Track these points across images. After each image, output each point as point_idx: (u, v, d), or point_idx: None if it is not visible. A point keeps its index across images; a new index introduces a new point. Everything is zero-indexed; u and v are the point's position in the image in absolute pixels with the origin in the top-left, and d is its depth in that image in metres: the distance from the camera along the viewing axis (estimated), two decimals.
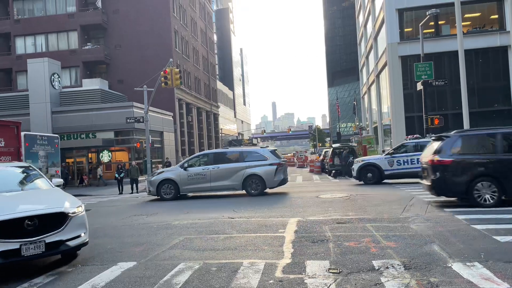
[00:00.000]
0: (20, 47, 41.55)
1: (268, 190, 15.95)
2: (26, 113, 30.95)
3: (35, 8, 42.03)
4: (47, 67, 30.84)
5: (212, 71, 62.89)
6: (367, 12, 43.47)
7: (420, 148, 16.72)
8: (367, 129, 47.35)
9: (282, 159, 16.33)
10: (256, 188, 15.38)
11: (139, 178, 24.09)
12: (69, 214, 6.40)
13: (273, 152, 16.14)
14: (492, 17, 31.93)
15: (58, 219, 6.27)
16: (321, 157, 31.94)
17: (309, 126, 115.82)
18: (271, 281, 5.08)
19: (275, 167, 15.34)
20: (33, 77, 31.05)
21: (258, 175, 15.32)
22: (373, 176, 17.57)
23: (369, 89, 46.57)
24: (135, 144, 29.30)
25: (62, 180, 9.42)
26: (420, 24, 22.30)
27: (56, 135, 24.11)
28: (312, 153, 71.20)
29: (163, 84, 22.82)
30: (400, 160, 17.24)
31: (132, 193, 22.28)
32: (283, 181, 15.94)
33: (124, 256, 6.88)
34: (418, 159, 16.03)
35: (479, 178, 9.57)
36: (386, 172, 17.39)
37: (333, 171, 25.03)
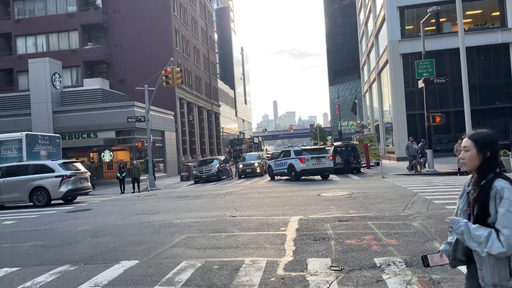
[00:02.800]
0: (21, 47, 41.61)
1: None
2: (28, 113, 31.02)
3: (36, 8, 42.06)
4: (48, 67, 30.88)
5: (213, 70, 62.89)
6: (368, 10, 43.40)
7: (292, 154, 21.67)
8: (369, 127, 47.30)
9: (73, 171, 16.90)
10: (42, 200, 16.04)
11: (141, 178, 24.14)
12: None
13: (63, 164, 16.83)
14: (494, 14, 31.85)
15: None
16: None
17: (310, 124, 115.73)
18: (273, 279, 5.09)
19: (60, 179, 16.08)
20: (34, 77, 31.09)
21: (43, 187, 16.04)
22: (269, 173, 24.13)
23: (370, 87, 46.52)
24: (137, 144, 29.32)
25: None
26: (421, 22, 22.24)
27: (58, 135, 24.15)
28: None
29: (164, 83, 22.85)
30: (278, 163, 22.66)
31: (134, 192, 22.34)
32: (70, 192, 16.51)
33: (126, 255, 6.89)
34: (282, 162, 21.89)
35: None
36: (274, 171, 23.06)
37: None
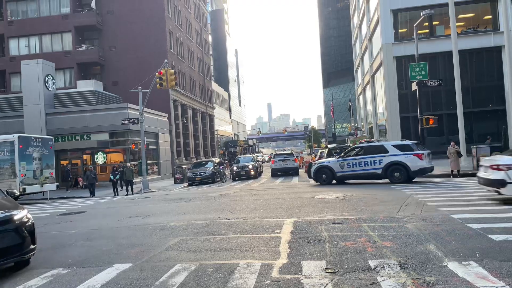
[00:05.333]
0: (13, 49, 41.30)
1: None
2: (20, 115, 30.78)
3: (29, 10, 41.80)
4: (41, 68, 30.67)
5: (207, 72, 62.83)
6: (362, 13, 43.62)
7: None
8: (363, 129, 47.49)
9: None
10: None
11: (134, 180, 24.00)
12: None
13: None
14: (486, 17, 32.14)
15: None
16: (317, 157, 31.96)
17: (304, 126, 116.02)
18: (267, 282, 5.06)
19: None
20: (27, 79, 30.86)
21: None
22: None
23: (364, 89, 46.71)
24: (130, 146, 29.18)
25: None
26: (414, 25, 22.39)
27: (50, 137, 23.97)
28: (308, 154, 71.26)
29: (158, 85, 22.78)
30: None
31: (127, 194, 22.21)
32: None
33: (119, 258, 6.84)
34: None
35: None
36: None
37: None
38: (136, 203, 16.86)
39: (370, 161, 17.47)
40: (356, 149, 18.60)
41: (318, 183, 18.69)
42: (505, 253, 5.69)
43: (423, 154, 16.85)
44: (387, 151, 17.37)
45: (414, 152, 16.90)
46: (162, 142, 36.85)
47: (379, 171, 17.19)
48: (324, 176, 18.41)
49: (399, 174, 16.85)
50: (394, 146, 17.59)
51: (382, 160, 17.17)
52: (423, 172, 17.06)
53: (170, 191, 23.05)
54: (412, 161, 16.75)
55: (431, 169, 17.39)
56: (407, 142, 18.06)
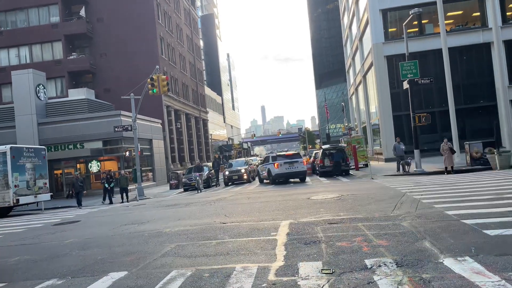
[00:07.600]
0: (3, 59, 41.08)
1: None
2: (12, 126, 30.58)
3: (18, 20, 41.63)
4: (32, 78, 30.50)
5: (200, 77, 62.81)
6: (351, 13, 43.84)
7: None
8: (356, 129, 47.63)
9: None
10: None
11: (129, 187, 23.88)
12: None
13: None
14: (474, 14, 32.42)
15: None
16: (311, 159, 32.00)
17: (298, 128, 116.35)
18: (264, 285, 5.04)
19: None
20: (17, 89, 30.68)
21: None
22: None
23: (356, 89, 46.89)
24: (124, 153, 29.05)
25: None
26: (403, 24, 22.53)
27: (43, 147, 23.80)
28: (303, 155, 71.25)
29: (150, 91, 22.72)
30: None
31: (122, 202, 22.09)
32: None
33: (115, 266, 6.78)
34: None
35: None
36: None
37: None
38: (131, 210, 16.77)
39: (264, 168, 24.55)
40: (265, 159, 26.05)
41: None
42: (500, 247, 5.72)
43: (279, 163, 22.76)
44: (269, 161, 23.96)
45: (274, 162, 23.03)
46: (156, 148, 36.74)
47: (267, 175, 23.85)
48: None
49: (271, 178, 23.24)
50: (272, 157, 23.97)
51: (266, 167, 23.99)
52: (280, 176, 22.83)
53: (165, 197, 22.96)
54: (272, 169, 23.02)
55: (289, 174, 22.85)
56: (273, 154, 25.58)
